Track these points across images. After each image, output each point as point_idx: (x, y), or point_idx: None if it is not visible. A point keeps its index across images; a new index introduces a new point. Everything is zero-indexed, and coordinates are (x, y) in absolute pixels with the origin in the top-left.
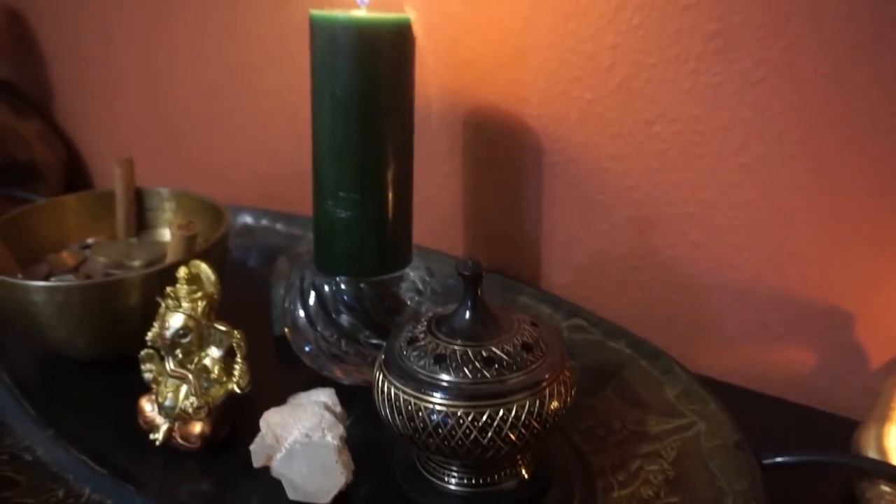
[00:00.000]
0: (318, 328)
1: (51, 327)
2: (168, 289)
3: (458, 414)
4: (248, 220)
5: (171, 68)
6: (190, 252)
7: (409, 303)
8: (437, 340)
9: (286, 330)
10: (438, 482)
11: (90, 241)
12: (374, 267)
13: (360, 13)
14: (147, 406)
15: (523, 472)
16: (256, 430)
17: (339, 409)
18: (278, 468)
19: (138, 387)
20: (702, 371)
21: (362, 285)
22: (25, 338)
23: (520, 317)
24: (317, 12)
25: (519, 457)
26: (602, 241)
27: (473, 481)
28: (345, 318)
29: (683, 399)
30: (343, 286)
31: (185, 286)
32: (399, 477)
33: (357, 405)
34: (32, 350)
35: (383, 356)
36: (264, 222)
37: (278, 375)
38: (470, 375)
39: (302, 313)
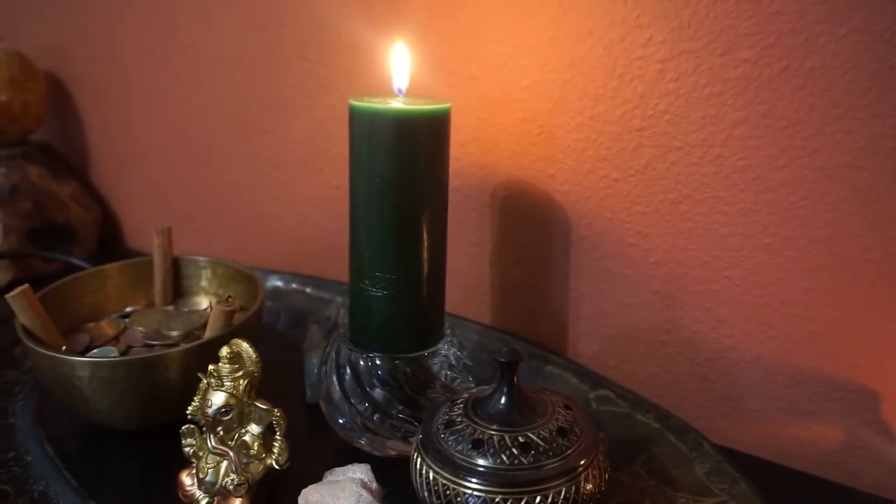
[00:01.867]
0: (353, 401)
1: (93, 401)
2: (210, 367)
3: (496, 500)
4: (278, 283)
5: (206, 133)
6: (228, 326)
7: (442, 378)
8: (474, 425)
9: (320, 401)
10: None
11: (128, 309)
12: (408, 344)
13: (398, 102)
14: (187, 480)
15: None
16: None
17: (374, 485)
18: None
19: (177, 460)
20: (729, 444)
21: (397, 361)
22: (66, 408)
23: (554, 399)
24: (357, 103)
25: None
26: (629, 314)
27: None
28: (378, 393)
29: (713, 477)
30: (378, 362)
31: (228, 365)
32: None
33: (391, 479)
34: (73, 420)
35: (421, 437)
36: (294, 286)
37: (310, 444)
38: (507, 461)
39: (337, 387)
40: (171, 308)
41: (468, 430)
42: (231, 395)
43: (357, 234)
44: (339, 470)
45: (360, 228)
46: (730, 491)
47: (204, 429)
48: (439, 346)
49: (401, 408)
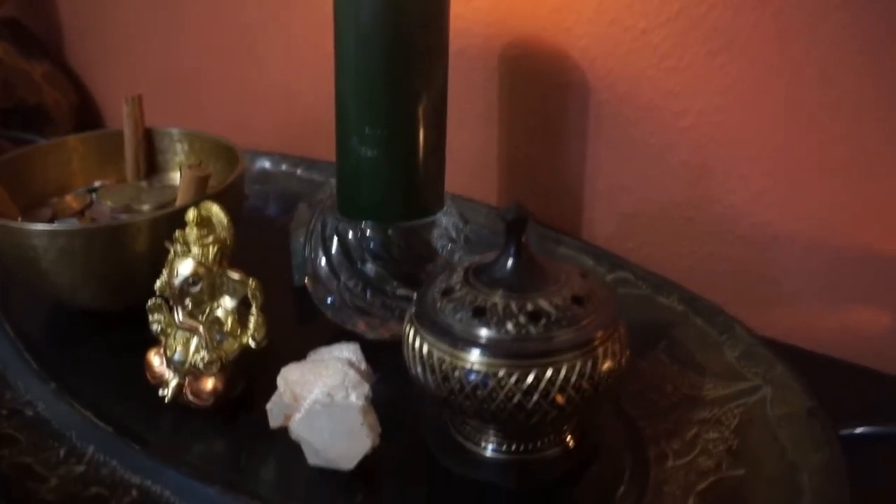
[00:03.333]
0: (342, 278)
1: (53, 275)
2: (177, 233)
3: (500, 374)
4: (266, 165)
5: (186, 6)
6: (201, 195)
7: (441, 252)
8: (475, 291)
9: (306, 281)
10: (473, 448)
11: (97, 184)
12: (402, 211)
13: None
14: (155, 360)
15: (568, 439)
16: (274, 387)
17: (364, 366)
18: (297, 430)
19: (147, 341)
20: (762, 331)
21: (390, 231)
22: (29, 288)
23: (567, 267)
24: None
25: (565, 423)
26: (652, 189)
27: (513, 448)
28: (370, 268)
29: (745, 361)
30: (369, 232)
31: (195, 230)
32: (430, 441)
33: (383, 363)
34: (36, 301)
35: (414, 309)
36: (283, 168)
37: (298, 330)
38: (513, 331)
39: (324, 262)
40: (143, 183)
41: (468, 298)
42: (199, 263)
43: (343, 85)
44: (324, 349)
45: (347, 78)
46: (765, 376)
47: (172, 303)
48: (438, 216)
49: (395, 284)
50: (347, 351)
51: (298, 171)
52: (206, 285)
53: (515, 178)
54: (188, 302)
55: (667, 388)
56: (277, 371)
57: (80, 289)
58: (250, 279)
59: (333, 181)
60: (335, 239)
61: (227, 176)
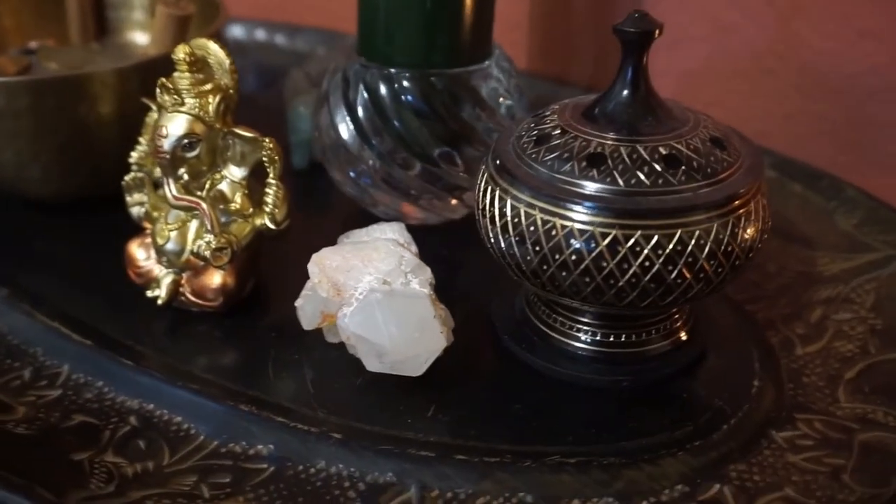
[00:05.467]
0: (373, 141)
1: None
2: (162, 81)
3: (618, 236)
4: (237, 34)
5: None
6: (182, 40)
7: (497, 107)
8: (584, 136)
9: (320, 157)
10: (561, 339)
11: (33, 45)
12: (449, 54)
13: None
14: (139, 253)
15: (680, 329)
16: (293, 283)
17: (414, 248)
18: (351, 328)
19: (124, 230)
20: None
21: (433, 78)
22: None
23: (681, 105)
24: None
25: (684, 305)
26: (725, 38)
27: (611, 339)
28: (409, 127)
29: (868, 228)
30: (407, 83)
31: (189, 75)
32: (503, 334)
33: (424, 248)
34: None
35: (497, 161)
36: (259, 36)
37: (310, 220)
38: (647, 181)
39: (348, 126)
40: (95, 45)
41: (577, 144)
42: (196, 117)
43: None
44: (359, 232)
45: None
46: None
47: (159, 176)
48: (488, 63)
49: (443, 148)
50: (391, 230)
51: (277, 40)
52: (206, 149)
53: (547, 35)
54: (183, 172)
55: (769, 268)
56: (293, 267)
57: (27, 168)
58: (266, 139)
59: (322, 50)
60: (362, 95)
61: (208, 26)
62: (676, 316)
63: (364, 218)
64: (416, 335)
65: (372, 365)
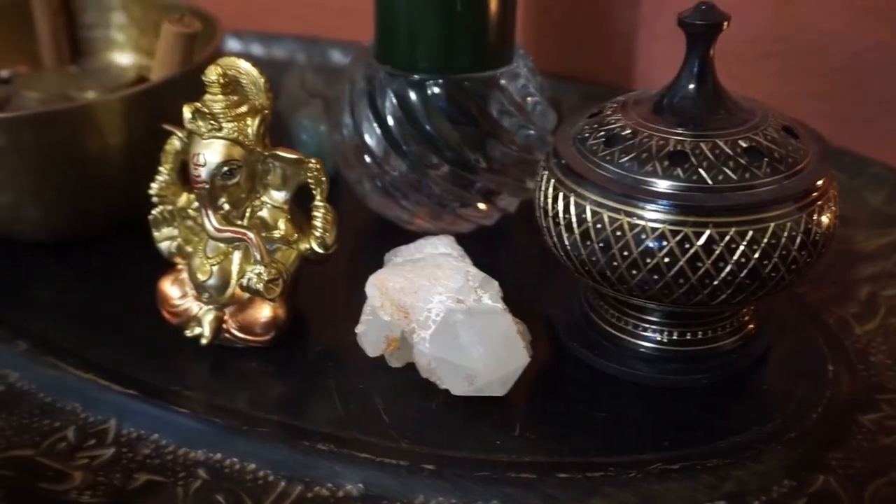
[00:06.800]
0: (405, 148)
1: None
2: (196, 106)
3: (712, 235)
4: None
5: None
6: (190, 60)
7: (530, 109)
8: (659, 134)
9: (343, 166)
10: (631, 340)
11: (4, 73)
12: (479, 57)
13: None
14: (173, 291)
15: (750, 321)
16: (329, 306)
17: (468, 261)
18: (434, 352)
19: (137, 267)
20: None
21: (466, 83)
22: None
23: (744, 95)
24: None
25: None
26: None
27: (675, 336)
28: (441, 133)
29: None
30: (437, 89)
31: (223, 97)
32: (570, 340)
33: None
34: None
35: (563, 161)
36: (233, 47)
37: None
38: (734, 175)
39: (375, 134)
40: (73, 68)
41: (654, 143)
42: (234, 143)
43: None
44: (407, 248)
45: None
46: None
47: (192, 208)
48: (515, 64)
49: (478, 154)
50: (443, 245)
51: (253, 49)
52: (246, 175)
53: (552, 27)
54: (223, 202)
55: None
56: (322, 290)
57: (25, 208)
58: (312, 160)
59: (302, 59)
60: (391, 102)
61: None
62: (746, 311)
63: (383, 230)
64: (503, 353)
65: (459, 388)
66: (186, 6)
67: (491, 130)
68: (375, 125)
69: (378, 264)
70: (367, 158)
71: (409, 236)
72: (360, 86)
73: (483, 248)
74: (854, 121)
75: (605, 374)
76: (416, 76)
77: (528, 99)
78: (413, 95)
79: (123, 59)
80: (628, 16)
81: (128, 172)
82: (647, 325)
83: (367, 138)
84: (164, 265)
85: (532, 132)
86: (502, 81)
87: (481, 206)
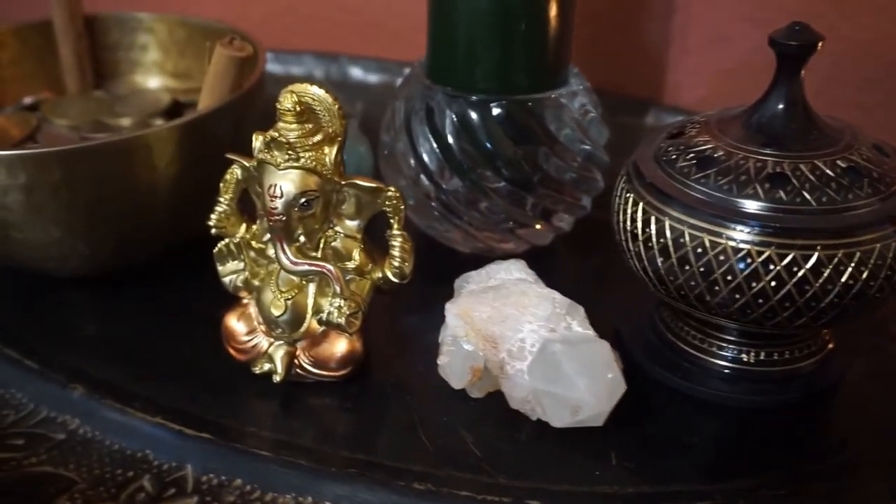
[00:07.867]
0: (466, 170)
1: (19, 228)
2: (267, 136)
3: (820, 258)
4: None
5: None
6: (239, 85)
7: (585, 125)
8: (754, 156)
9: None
10: (709, 360)
11: (28, 100)
12: (535, 77)
13: None
14: (239, 326)
15: (830, 340)
16: (390, 335)
17: (542, 284)
18: (534, 384)
19: (180, 302)
20: None
21: (530, 104)
22: None
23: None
24: None
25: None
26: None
27: (752, 357)
28: (503, 154)
29: None
30: (497, 110)
31: (297, 125)
32: (649, 362)
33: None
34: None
35: (646, 180)
36: None
37: None
38: (838, 197)
39: (438, 152)
40: (100, 93)
41: (751, 165)
42: (313, 171)
43: None
44: (478, 274)
45: None
46: None
47: (265, 240)
48: (572, 84)
49: (540, 173)
50: (517, 270)
51: (270, 67)
52: (320, 206)
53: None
54: (299, 234)
55: None
56: (381, 318)
57: (75, 244)
58: (391, 188)
59: (320, 76)
60: (452, 123)
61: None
62: (826, 332)
63: (431, 252)
64: (607, 382)
65: (560, 420)
66: (228, 27)
67: (553, 150)
68: (435, 145)
69: (430, 289)
70: (424, 178)
71: (457, 258)
72: (415, 106)
73: (536, 268)
74: (886, 132)
75: (686, 395)
76: (474, 97)
77: (588, 116)
78: (474, 115)
79: (149, 82)
80: (660, 29)
81: (174, 202)
82: (731, 346)
83: (424, 161)
84: (214, 296)
85: (588, 147)
86: (563, 100)
87: (538, 225)
